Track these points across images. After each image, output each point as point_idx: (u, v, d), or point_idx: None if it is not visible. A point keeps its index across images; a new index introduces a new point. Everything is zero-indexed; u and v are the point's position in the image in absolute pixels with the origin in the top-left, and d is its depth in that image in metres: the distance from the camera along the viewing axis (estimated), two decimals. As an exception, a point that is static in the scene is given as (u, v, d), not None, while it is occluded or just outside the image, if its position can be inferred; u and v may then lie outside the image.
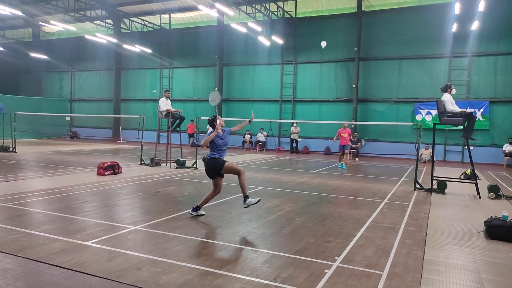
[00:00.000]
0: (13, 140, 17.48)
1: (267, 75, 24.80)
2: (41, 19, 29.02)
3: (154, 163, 13.61)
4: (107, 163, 11.43)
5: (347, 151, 16.72)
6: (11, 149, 17.29)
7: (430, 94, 19.97)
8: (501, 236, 5.78)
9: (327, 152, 22.48)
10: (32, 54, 29.79)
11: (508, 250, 5.35)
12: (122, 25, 28.76)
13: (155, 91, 28.50)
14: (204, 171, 6.74)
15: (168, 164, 13.83)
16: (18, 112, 18.34)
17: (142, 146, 14.68)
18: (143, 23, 27.86)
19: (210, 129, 6.84)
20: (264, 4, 22.59)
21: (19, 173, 11.19)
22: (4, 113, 18.40)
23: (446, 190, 9.94)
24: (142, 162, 14.06)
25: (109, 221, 6.19)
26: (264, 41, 22.78)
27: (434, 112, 19.41)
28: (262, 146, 23.87)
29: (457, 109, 9.52)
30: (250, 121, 7.52)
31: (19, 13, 22.14)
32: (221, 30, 25.41)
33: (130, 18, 28.04)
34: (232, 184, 10.35)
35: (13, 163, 13.66)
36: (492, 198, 9.26)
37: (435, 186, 10.02)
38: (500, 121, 19.20)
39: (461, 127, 10.00)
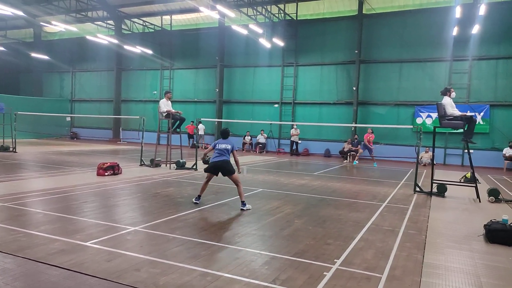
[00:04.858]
0: (14, 140, 17.47)
1: (268, 77, 24.82)
2: (42, 20, 29.06)
3: (154, 164, 13.61)
4: (107, 163, 11.43)
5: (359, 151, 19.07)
6: (11, 149, 17.29)
7: (431, 97, 19.99)
8: (500, 240, 5.77)
9: (327, 154, 22.49)
10: (33, 54, 29.83)
11: (507, 254, 5.35)
12: (123, 26, 28.81)
13: (155, 92, 28.53)
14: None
15: (168, 165, 13.83)
16: (18, 112, 18.34)
17: (142, 147, 14.69)
18: (144, 24, 27.90)
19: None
20: (265, 6, 22.62)
21: (19, 173, 11.19)
22: (5, 113, 18.40)
23: (446, 194, 9.93)
24: (142, 163, 14.07)
25: (108, 222, 6.18)
26: (265, 43, 22.81)
27: (435, 115, 19.42)
28: (262, 148, 23.88)
29: (457, 112, 9.53)
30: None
31: (20, 13, 22.17)
32: (222, 31, 25.46)
33: (131, 19, 28.09)
34: (232, 186, 10.35)
35: (13, 163, 13.66)
36: (492, 202, 9.25)
37: (435, 189, 10.01)
38: (501, 124, 19.20)
39: (461, 130, 10.01)
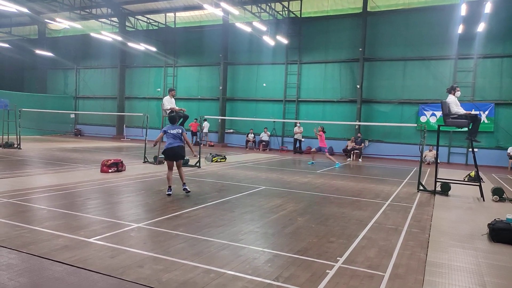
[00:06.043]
0: (18, 136, 17.57)
1: (271, 74, 24.79)
2: (47, 17, 29.14)
3: (158, 161, 13.65)
4: (110, 160, 11.47)
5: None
6: (15, 146, 17.38)
7: (435, 95, 19.90)
8: (504, 239, 5.75)
9: (330, 152, 22.41)
10: (38, 51, 29.91)
11: (511, 253, 5.32)
12: (127, 23, 28.85)
13: (159, 89, 28.57)
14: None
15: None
16: (23, 109, 18.43)
17: (145, 144, 14.73)
18: (148, 21, 27.93)
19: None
20: (269, 4, 22.57)
21: (24, 170, 11.25)
22: (9, 110, 18.49)
23: (449, 192, 9.90)
24: (146, 160, 14.11)
25: (112, 219, 6.21)
26: (268, 40, 22.77)
27: (439, 113, 19.32)
28: (265, 146, 23.87)
29: (462, 111, 9.48)
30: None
31: (25, 10, 22.22)
32: (226, 29, 25.43)
33: (136, 16, 28.12)
34: (235, 183, 10.36)
35: (18, 159, 13.73)
36: (496, 201, 9.21)
37: (438, 188, 9.98)
38: (505, 123, 19.09)
39: (465, 129, 9.97)
